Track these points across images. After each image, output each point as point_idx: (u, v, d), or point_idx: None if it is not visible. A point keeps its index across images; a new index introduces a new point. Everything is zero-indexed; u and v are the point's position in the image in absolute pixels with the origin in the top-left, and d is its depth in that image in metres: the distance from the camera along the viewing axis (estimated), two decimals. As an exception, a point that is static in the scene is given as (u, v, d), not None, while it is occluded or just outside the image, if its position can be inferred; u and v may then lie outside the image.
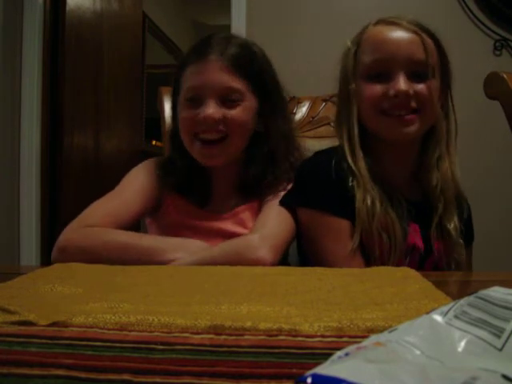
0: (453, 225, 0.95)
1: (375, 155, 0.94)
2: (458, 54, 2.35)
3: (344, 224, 0.89)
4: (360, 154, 0.91)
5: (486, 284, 0.36)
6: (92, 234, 0.88)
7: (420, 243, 0.92)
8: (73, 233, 0.89)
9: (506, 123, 1.17)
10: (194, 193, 1.03)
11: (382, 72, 0.90)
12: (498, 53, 2.26)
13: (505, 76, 1.08)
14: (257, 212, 1.00)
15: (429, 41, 0.91)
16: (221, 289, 0.60)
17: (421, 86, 0.89)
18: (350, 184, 0.89)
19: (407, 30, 0.91)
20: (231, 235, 0.96)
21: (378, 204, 0.88)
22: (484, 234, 2.12)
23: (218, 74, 0.94)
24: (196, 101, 0.95)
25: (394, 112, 0.90)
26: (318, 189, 0.92)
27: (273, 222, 0.90)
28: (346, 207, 0.89)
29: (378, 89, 0.90)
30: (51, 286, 0.58)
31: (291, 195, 0.95)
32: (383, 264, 0.86)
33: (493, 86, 1.11)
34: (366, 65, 0.92)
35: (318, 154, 0.99)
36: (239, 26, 2.28)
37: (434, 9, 2.28)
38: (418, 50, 0.90)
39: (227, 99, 0.95)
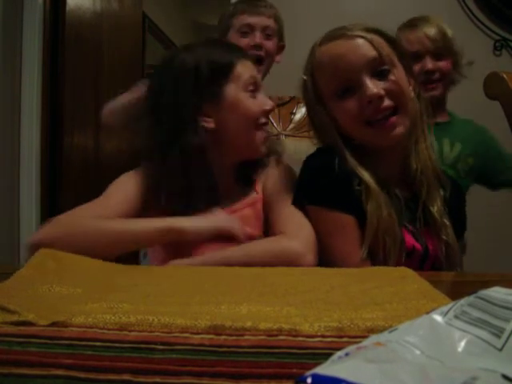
0: (436, 207, 0.95)
1: (372, 159, 0.94)
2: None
3: (350, 220, 0.90)
4: (361, 168, 0.91)
5: (486, 284, 0.36)
6: (71, 223, 0.85)
7: (417, 245, 0.92)
8: (47, 228, 0.84)
9: (506, 123, 1.17)
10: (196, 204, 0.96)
11: (347, 86, 0.91)
12: (497, 53, 2.26)
13: (505, 76, 1.08)
14: (259, 209, 1.00)
15: (373, 37, 0.91)
16: (220, 289, 0.60)
17: (388, 83, 0.90)
18: (357, 188, 0.89)
19: (349, 37, 0.92)
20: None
21: (384, 210, 0.88)
22: (484, 233, 2.13)
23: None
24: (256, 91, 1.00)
25: (376, 118, 0.90)
26: (323, 186, 0.92)
27: (303, 223, 0.91)
28: (352, 203, 0.89)
29: (351, 103, 0.91)
30: (49, 287, 0.58)
31: (298, 194, 0.95)
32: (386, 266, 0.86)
33: (493, 86, 1.11)
34: (329, 86, 0.93)
35: (321, 150, 0.99)
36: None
37: (434, 9, 2.27)
38: (368, 49, 0.90)
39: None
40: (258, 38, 1.44)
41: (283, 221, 0.93)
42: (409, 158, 0.96)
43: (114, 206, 0.90)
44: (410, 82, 0.95)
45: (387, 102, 0.90)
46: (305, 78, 0.97)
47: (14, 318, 0.44)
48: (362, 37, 0.91)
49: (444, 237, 0.94)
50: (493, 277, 0.77)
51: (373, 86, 0.89)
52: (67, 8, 2.37)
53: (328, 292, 0.57)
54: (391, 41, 0.94)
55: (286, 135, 1.48)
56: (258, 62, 1.44)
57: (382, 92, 0.89)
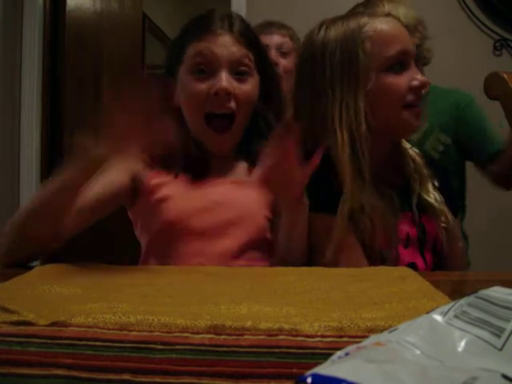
0: (432, 196, 0.94)
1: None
2: (458, 54, 2.35)
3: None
4: (367, 158, 0.87)
5: (486, 284, 0.36)
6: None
7: (412, 231, 0.92)
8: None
9: (506, 123, 1.17)
10: (187, 163, 0.92)
11: (401, 61, 0.89)
12: (497, 53, 2.26)
13: (505, 76, 1.08)
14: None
15: None
16: (219, 289, 0.60)
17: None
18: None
19: (399, 20, 0.93)
20: (234, 200, 0.90)
21: (377, 221, 0.86)
22: (484, 233, 2.13)
23: (229, 44, 0.91)
24: (205, 73, 0.90)
25: (415, 104, 0.89)
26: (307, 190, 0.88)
27: None
28: (337, 203, 0.86)
29: (403, 81, 0.89)
30: (49, 287, 0.58)
31: None
32: (383, 258, 0.85)
33: (493, 86, 1.11)
34: (389, 57, 0.89)
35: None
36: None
37: (434, 9, 2.28)
38: (411, 40, 0.92)
39: (238, 72, 0.91)
40: (272, 55, 1.41)
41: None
42: (406, 157, 0.96)
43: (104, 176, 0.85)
44: None
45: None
46: (363, 37, 0.89)
47: (14, 317, 0.44)
48: (405, 27, 0.92)
49: (443, 224, 0.94)
50: (493, 277, 0.77)
51: (420, 74, 0.89)
52: (67, 8, 2.37)
53: (328, 292, 0.57)
54: None
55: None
56: None
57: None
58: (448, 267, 0.96)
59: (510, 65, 2.19)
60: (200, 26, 0.94)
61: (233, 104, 0.89)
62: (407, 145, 0.99)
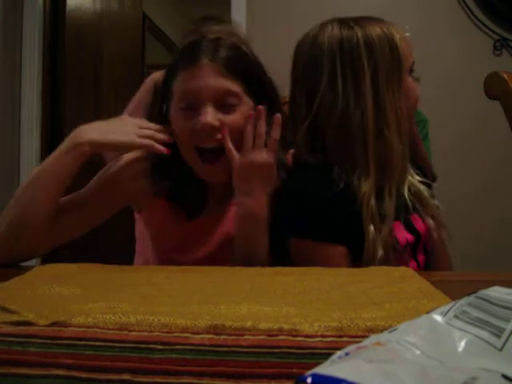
0: (418, 183, 0.95)
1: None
2: (458, 54, 2.35)
3: (339, 250, 0.85)
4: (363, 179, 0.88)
5: (486, 284, 0.36)
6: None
7: (409, 236, 0.91)
8: None
9: (506, 123, 1.17)
10: (186, 200, 0.95)
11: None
12: (498, 53, 2.26)
13: (505, 76, 1.08)
14: None
15: None
16: (219, 289, 0.60)
17: None
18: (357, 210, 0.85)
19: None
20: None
21: (384, 231, 0.85)
22: (485, 234, 2.13)
23: (212, 77, 0.88)
24: (191, 109, 0.89)
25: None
26: (306, 216, 0.86)
27: None
28: (340, 231, 0.84)
29: (418, 88, 0.92)
30: (49, 287, 0.58)
31: (279, 225, 0.88)
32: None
33: (493, 86, 1.11)
34: (412, 62, 0.91)
35: (301, 171, 0.91)
36: (239, 25, 2.28)
37: (434, 9, 2.28)
38: None
39: (224, 104, 0.89)
40: None
41: None
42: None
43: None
44: None
45: None
46: (397, 36, 0.91)
47: (14, 317, 0.44)
48: None
49: (432, 211, 0.94)
50: (493, 277, 0.77)
51: None
52: (67, 8, 2.37)
53: (328, 292, 0.57)
54: None
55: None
56: None
57: None
58: (437, 259, 0.97)
59: (510, 65, 2.19)
60: (186, 58, 0.92)
61: (220, 136, 0.88)
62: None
